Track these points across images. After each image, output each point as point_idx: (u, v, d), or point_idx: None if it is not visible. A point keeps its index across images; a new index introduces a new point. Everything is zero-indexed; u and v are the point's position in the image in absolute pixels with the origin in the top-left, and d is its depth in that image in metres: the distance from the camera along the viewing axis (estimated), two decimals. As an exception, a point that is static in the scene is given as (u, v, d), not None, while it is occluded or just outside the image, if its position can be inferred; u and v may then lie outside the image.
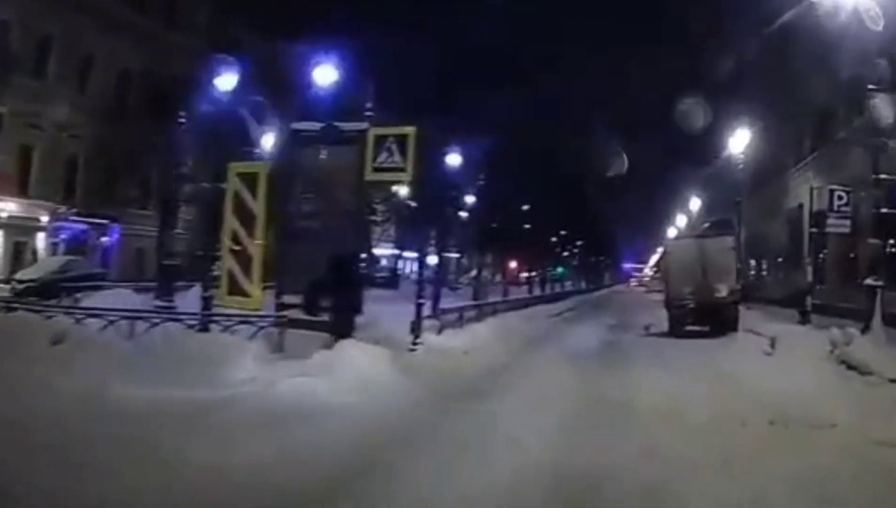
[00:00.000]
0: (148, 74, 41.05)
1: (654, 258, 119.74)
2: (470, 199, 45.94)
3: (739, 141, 35.69)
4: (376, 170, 14.61)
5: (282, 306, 14.43)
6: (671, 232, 66.59)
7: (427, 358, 14.82)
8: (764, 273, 44.29)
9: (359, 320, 14.69)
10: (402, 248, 61.89)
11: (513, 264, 59.01)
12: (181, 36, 43.65)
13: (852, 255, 27.70)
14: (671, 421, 9.90)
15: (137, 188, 42.98)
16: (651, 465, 7.74)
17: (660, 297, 59.00)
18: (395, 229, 63.91)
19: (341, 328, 13.69)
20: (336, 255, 14.22)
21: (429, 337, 16.69)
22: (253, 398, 9.94)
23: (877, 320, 16.40)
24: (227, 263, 14.74)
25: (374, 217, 60.35)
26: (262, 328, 13.58)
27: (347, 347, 12.79)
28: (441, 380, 12.79)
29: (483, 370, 14.64)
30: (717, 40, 46.46)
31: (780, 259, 41.11)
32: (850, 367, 14.34)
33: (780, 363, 15.39)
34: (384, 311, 17.12)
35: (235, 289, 14.60)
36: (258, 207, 14.46)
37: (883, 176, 17.18)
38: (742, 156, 35.64)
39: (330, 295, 14.08)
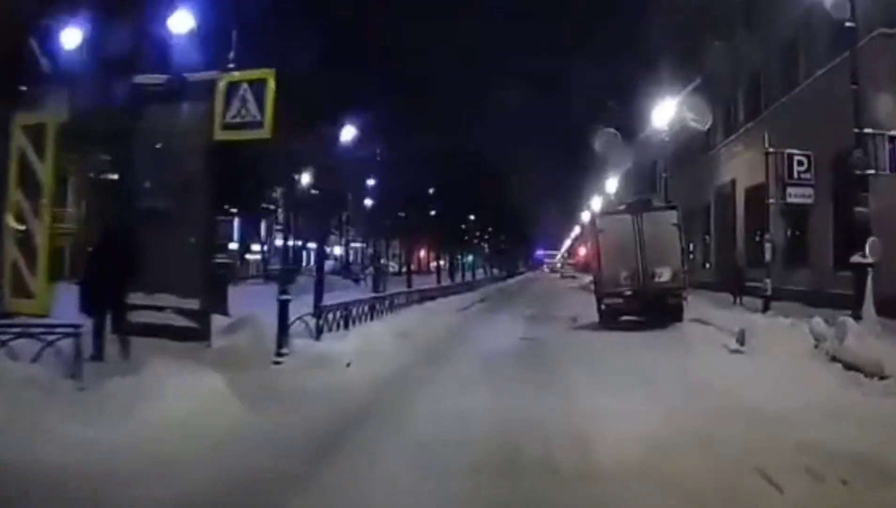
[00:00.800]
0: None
1: (566, 244, 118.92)
2: (371, 182, 42.37)
3: (663, 114, 33.00)
4: (227, 127, 10.90)
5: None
6: (585, 216, 64.32)
7: (293, 376, 10.85)
8: (691, 256, 41.53)
9: (224, 322, 12.67)
10: (302, 238, 57.61)
11: (422, 253, 55.83)
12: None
13: (800, 231, 24.81)
14: (653, 482, 6.08)
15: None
16: None
17: (576, 283, 56.77)
18: (294, 218, 60.02)
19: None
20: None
21: (303, 344, 12.90)
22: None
23: (868, 306, 13.28)
24: (11, 253, 10.53)
25: (270, 205, 56.50)
26: (49, 343, 9.42)
27: (169, 368, 8.72)
28: (304, 414, 8.73)
29: (368, 392, 10.49)
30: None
31: (707, 239, 38.43)
32: (849, 367, 11.40)
33: (761, 366, 12.14)
34: (269, 308, 13.18)
35: (20, 288, 10.41)
36: (45, 172, 10.24)
37: (868, 130, 14.00)
38: (666, 129, 32.96)
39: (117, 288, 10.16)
